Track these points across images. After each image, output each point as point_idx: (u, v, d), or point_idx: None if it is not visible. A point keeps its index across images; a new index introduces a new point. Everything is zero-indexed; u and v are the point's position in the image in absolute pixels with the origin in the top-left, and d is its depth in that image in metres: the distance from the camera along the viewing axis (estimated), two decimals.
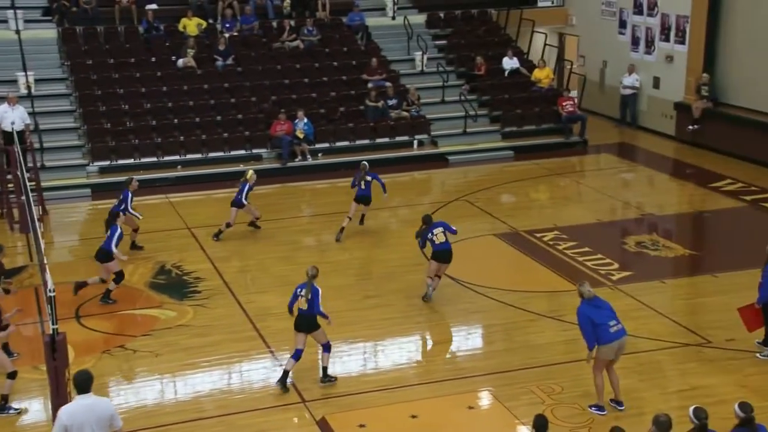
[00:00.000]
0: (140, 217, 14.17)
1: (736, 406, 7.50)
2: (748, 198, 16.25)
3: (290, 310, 10.13)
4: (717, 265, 13.44)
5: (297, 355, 9.98)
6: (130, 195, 13.88)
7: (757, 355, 10.39)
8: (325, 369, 10.12)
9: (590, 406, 9.38)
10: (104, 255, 12.21)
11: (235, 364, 10.71)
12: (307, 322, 9.92)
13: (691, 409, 7.41)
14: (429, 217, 12.46)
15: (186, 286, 12.99)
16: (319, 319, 10.01)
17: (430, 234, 12.12)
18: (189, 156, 18.84)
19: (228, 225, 14.75)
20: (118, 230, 12.32)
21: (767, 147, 15.78)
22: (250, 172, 14.94)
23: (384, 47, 21.94)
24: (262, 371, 10.55)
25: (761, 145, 16.23)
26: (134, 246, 14.37)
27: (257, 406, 9.73)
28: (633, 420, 8.84)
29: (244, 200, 14.67)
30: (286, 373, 9.98)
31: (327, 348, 10.11)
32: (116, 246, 12.17)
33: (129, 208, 13.75)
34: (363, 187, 14.87)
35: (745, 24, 18.81)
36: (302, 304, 9.92)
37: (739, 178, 17.14)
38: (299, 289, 10.05)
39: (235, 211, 14.72)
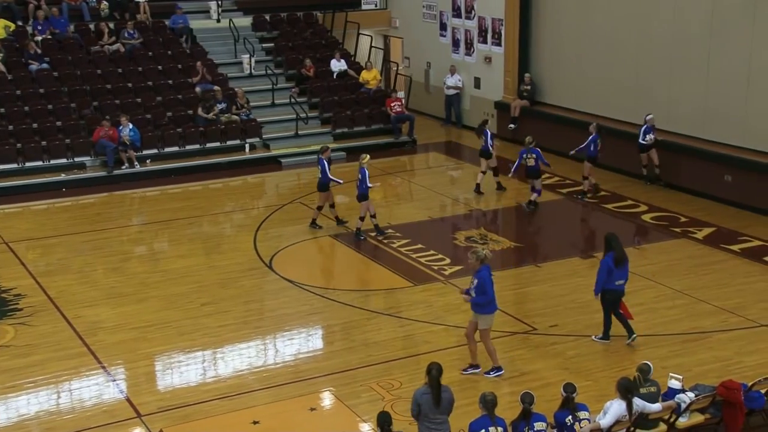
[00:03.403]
0: (341, 182, 15.18)
1: (562, 388, 8.02)
2: (564, 191, 17.30)
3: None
4: (539, 255, 14.26)
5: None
6: (326, 163, 14.83)
7: (593, 337, 11.06)
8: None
9: (486, 373, 10.11)
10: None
11: (63, 383, 10.19)
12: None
13: (521, 394, 7.85)
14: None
15: (5, 304, 12.22)
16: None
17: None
18: (3, 166, 17.71)
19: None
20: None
21: (579, 143, 16.84)
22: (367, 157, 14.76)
23: (210, 50, 21.57)
24: (93, 388, 10.11)
25: (574, 141, 17.34)
26: (339, 221, 15.16)
27: (89, 425, 9.32)
28: (468, 409, 9.16)
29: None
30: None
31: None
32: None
33: (329, 174, 14.68)
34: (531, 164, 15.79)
35: (555, 26, 20.00)
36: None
37: (556, 173, 18.18)
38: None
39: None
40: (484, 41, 21.71)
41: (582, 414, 7.94)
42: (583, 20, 19.24)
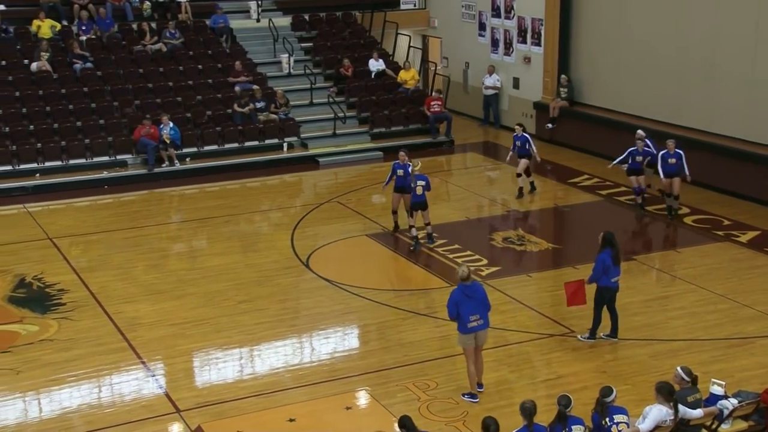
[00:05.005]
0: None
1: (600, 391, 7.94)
2: (603, 192, 17.12)
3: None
4: (577, 257, 14.12)
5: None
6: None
7: (579, 336, 10.99)
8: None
9: (463, 395, 9.67)
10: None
11: (104, 377, 10.34)
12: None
13: (558, 397, 7.79)
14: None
15: (49, 299, 12.43)
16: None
17: None
18: (48, 164, 18.03)
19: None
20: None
21: (618, 144, 16.66)
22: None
23: (249, 50, 21.72)
24: (133, 383, 10.24)
25: (613, 142, 17.15)
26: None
27: (129, 419, 9.45)
28: (504, 411, 9.14)
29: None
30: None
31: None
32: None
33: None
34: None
35: (596, 26, 19.82)
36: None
37: (595, 174, 18.02)
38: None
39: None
40: (524, 41, 21.58)
41: (620, 417, 7.85)
42: (623, 20, 19.02)
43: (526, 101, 21.61)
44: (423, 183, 13.97)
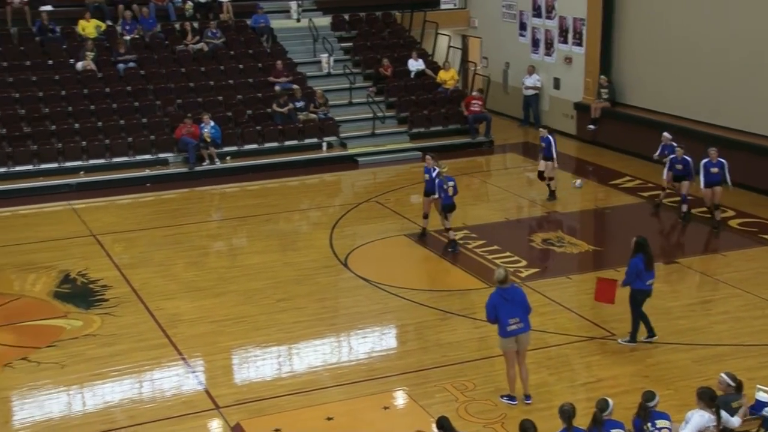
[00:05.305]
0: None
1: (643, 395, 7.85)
2: (645, 194, 16.91)
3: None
4: (619, 259, 13.93)
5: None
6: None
7: (619, 340, 10.88)
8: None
9: (501, 396, 9.61)
10: None
11: (145, 373, 10.47)
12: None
13: (597, 400, 7.70)
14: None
15: (92, 295, 12.63)
16: None
17: None
18: (92, 161, 18.31)
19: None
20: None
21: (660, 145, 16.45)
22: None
23: (289, 49, 21.85)
24: (173, 379, 10.35)
25: (655, 142, 16.93)
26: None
27: (170, 414, 9.55)
28: (543, 414, 9.08)
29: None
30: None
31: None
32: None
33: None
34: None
35: (638, 26, 19.58)
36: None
37: (637, 175, 17.80)
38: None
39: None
40: (564, 41, 21.40)
41: (662, 423, 7.75)
42: (665, 20, 18.77)
43: (566, 102, 21.43)
44: (452, 184, 13.95)
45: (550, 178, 16.52)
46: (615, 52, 20.23)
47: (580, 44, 20.92)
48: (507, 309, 9.32)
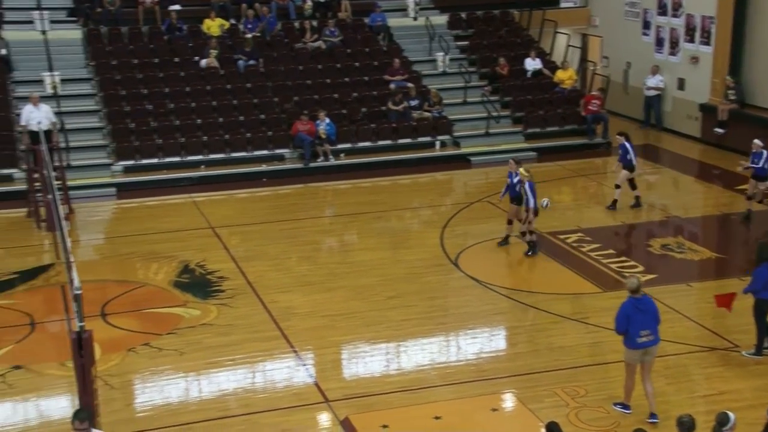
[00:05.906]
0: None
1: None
2: None
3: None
4: (743, 268, 13.28)
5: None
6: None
7: (743, 352, 10.41)
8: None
9: (614, 404, 9.32)
10: None
11: (258, 364, 10.72)
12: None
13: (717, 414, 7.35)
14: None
15: (210, 285, 13.04)
16: None
17: None
18: (212, 156, 18.92)
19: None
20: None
21: None
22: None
23: (405, 48, 21.91)
24: (285, 371, 10.55)
25: None
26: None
27: (280, 405, 9.74)
28: (659, 424, 8.76)
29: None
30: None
31: None
32: None
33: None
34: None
35: None
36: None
37: None
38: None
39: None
40: (691, 40, 20.59)
41: None
42: None
43: (691, 103, 20.62)
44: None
45: (631, 186, 15.88)
46: (746, 52, 19.29)
47: (707, 43, 20.08)
48: (639, 320, 8.98)
